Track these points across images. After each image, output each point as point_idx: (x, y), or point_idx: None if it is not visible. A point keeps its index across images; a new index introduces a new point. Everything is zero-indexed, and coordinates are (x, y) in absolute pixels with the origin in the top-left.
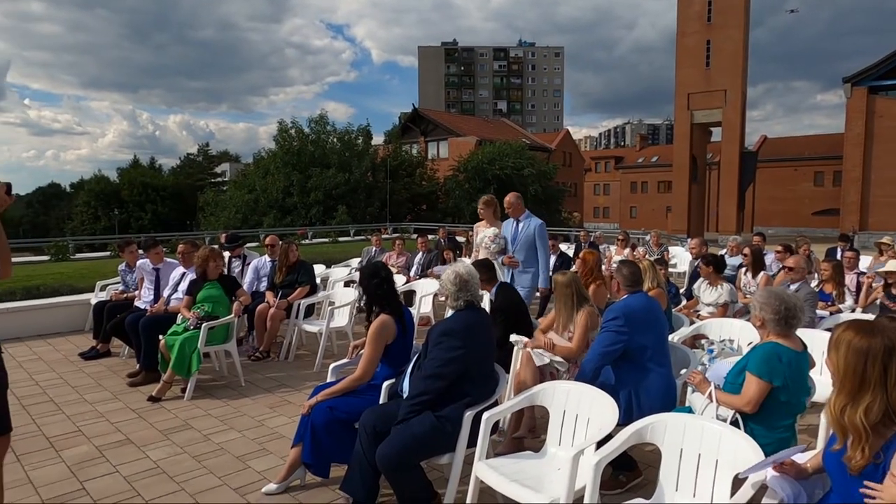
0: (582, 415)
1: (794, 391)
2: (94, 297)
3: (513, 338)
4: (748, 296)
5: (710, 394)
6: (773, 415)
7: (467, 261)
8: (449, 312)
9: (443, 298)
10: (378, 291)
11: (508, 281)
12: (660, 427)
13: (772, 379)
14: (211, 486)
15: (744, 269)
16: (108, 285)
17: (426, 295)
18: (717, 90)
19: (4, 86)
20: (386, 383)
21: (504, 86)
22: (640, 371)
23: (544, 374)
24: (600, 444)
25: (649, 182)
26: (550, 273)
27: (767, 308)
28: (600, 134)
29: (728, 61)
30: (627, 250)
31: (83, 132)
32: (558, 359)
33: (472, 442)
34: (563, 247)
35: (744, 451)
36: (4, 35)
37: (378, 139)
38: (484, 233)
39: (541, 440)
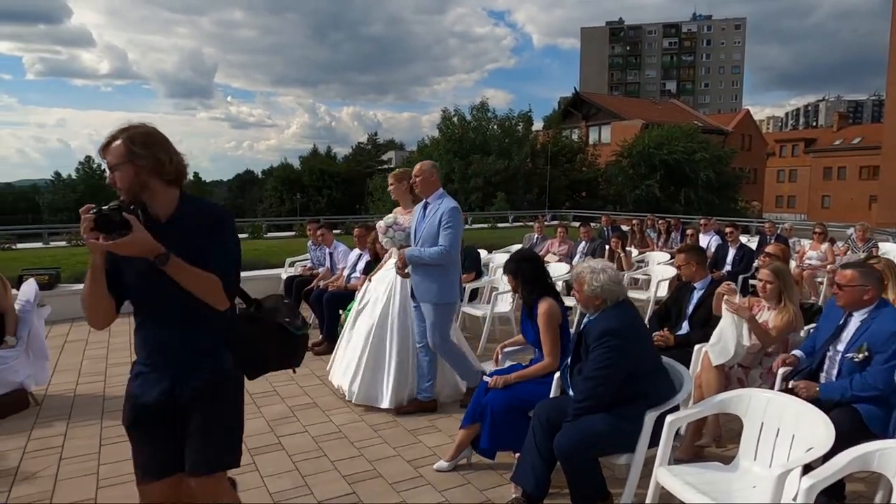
0: (785, 430)
1: None
2: (284, 273)
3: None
4: None
5: None
6: None
7: (635, 252)
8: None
9: (597, 301)
10: (537, 275)
11: (410, 291)
12: (893, 455)
13: None
14: (386, 455)
15: None
16: (295, 262)
17: None
18: None
19: (213, 86)
20: (556, 374)
21: (674, 64)
22: None
23: (730, 379)
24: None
25: (848, 167)
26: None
27: None
28: (787, 114)
29: None
30: (825, 245)
31: (272, 124)
32: (746, 343)
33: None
34: (744, 239)
35: None
36: (214, 42)
37: (538, 125)
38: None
39: (726, 451)
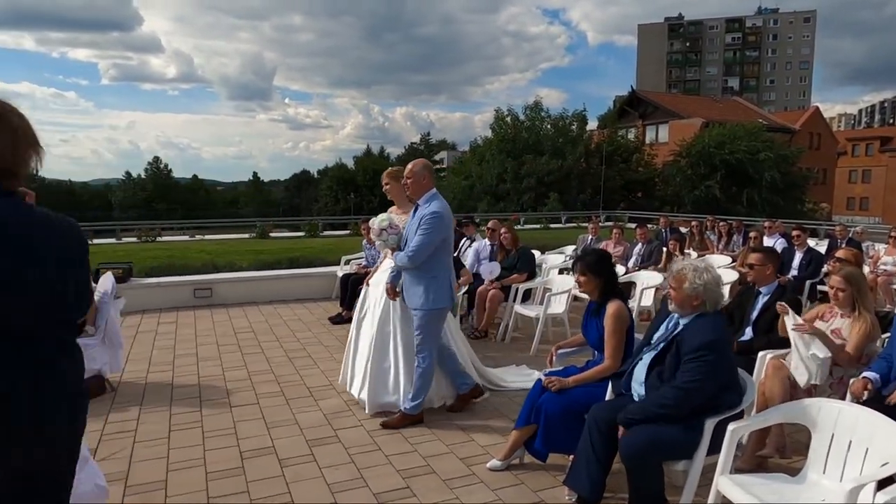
0: (858, 442)
1: None
2: (339, 270)
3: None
4: None
5: None
6: None
7: (694, 254)
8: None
9: (695, 302)
10: (611, 275)
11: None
12: None
13: None
14: (439, 452)
15: None
16: (351, 260)
17: (647, 287)
18: None
19: (272, 88)
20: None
21: (737, 60)
22: None
23: (796, 387)
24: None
25: None
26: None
27: None
28: (860, 111)
29: None
30: None
31: (328, 125)
32: (822, 354)
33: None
34: (812, 242)
35: None
36: (274, 46)
37: (592, 124)
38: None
39: (791, 463)
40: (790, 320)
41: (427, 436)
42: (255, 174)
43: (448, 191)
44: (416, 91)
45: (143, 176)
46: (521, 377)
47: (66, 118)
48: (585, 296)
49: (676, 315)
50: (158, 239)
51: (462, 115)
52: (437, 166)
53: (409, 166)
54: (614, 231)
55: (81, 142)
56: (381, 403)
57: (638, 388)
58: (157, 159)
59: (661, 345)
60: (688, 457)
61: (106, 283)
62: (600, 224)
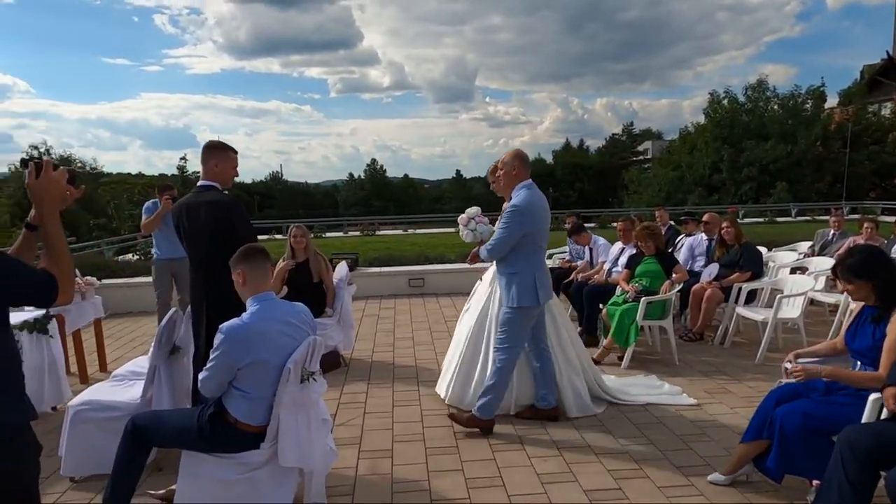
0: None
1: None
2: None
3: None
4: None
5: None
6: None
7: None
8: None
9: None
10: (892, 275)
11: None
12: None
13: None
14: (653, 457)
15: None
16: (554, 254)
17: None
18: None
19: (474, 89)
20: (873, 396)
21: None
22: None
23: None
24: None
25: None
26: None
27: None
28: None
29: None
30: None
31: (526, 121)
32: None
33: None
34: None
35: None
36: (475, 48)
37: (831, 101)
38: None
39: None
40: None
41: (639, 439)
42: (457, 172)
43: (654, 183)
44: (617, 80)
45: (362, 176)
46: (649, 389)
47: (303, 129)
48: (827, 299)
49: None
50: (377, 233)
51: (669, 101)
52: (641, 157)
53: (502, 158)
54: (865, 225)
55: (314, 148)
56: (461, 398)
57: None
58: (374, 161)
59: None
60: None
61: (341, 271)
62: (844, 217)
